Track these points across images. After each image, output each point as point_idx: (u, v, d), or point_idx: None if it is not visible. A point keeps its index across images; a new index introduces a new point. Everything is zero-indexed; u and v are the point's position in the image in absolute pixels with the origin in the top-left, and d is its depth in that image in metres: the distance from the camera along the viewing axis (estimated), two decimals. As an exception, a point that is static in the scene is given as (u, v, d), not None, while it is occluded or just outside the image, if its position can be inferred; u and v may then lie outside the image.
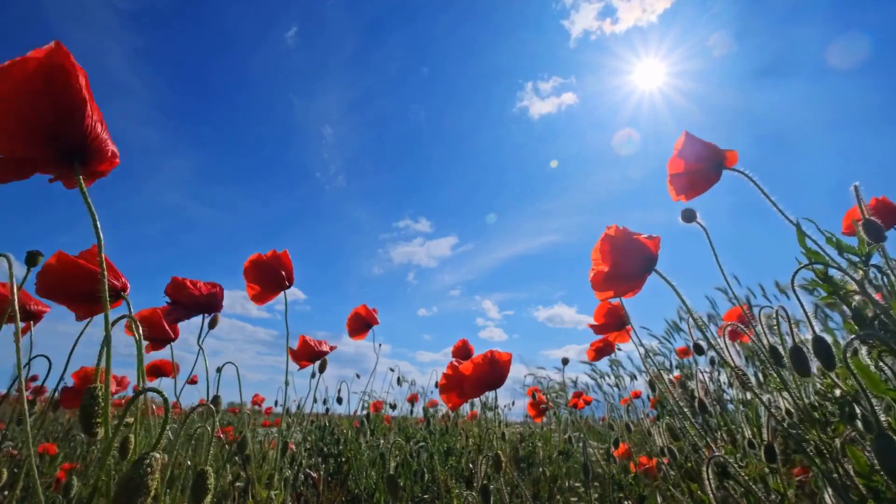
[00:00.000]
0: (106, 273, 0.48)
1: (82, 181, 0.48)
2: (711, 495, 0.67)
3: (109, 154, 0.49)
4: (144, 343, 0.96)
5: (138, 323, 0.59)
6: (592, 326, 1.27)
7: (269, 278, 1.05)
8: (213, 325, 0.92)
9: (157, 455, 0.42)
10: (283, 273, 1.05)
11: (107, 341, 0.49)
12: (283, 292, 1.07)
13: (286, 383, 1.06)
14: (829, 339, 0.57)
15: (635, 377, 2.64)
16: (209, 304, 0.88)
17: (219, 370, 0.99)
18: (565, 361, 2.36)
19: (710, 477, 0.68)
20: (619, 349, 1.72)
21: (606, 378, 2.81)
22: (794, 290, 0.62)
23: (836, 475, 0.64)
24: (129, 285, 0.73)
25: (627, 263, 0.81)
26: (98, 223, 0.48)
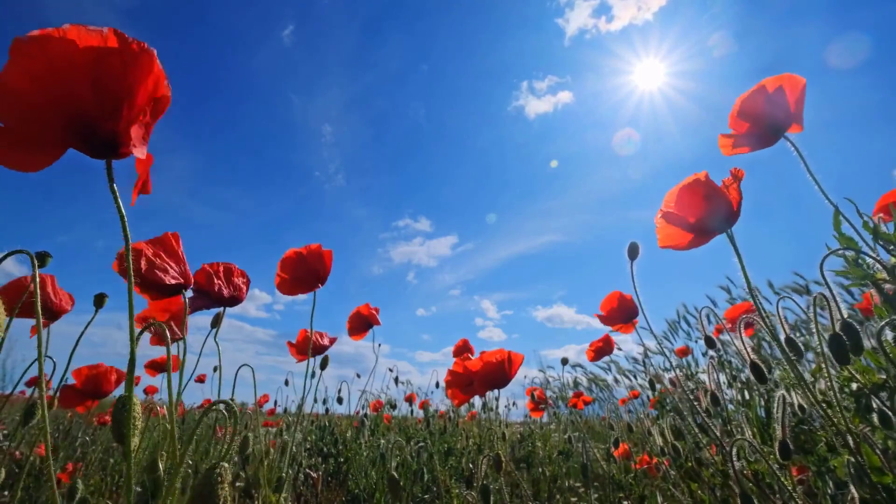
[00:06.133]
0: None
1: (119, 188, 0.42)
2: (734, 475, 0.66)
3: (133, 150, 0.43)
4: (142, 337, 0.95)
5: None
6: (599, 317, 1.23)
7: (303, 273, 1.02)
8: (215, 323, 0.91)
9: (227, 465, 0.44)
10: (320, 271, 1.03)
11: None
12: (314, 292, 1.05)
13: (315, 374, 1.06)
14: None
15: (636, 377, 2.64)
16: (234, 296, 0.87)
17: (215, 369, 0.99)
18: (564, 361, 2.36)
19: (734, 460, 0.67)
20: (620, 349, 1.72)
21: (602, 380, 2.82)
22: (824, 276, 0.62)
23: (857, 461, 0.63)
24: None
25: (708, 215, 0.74)
26: (126, 225, 0.43)
